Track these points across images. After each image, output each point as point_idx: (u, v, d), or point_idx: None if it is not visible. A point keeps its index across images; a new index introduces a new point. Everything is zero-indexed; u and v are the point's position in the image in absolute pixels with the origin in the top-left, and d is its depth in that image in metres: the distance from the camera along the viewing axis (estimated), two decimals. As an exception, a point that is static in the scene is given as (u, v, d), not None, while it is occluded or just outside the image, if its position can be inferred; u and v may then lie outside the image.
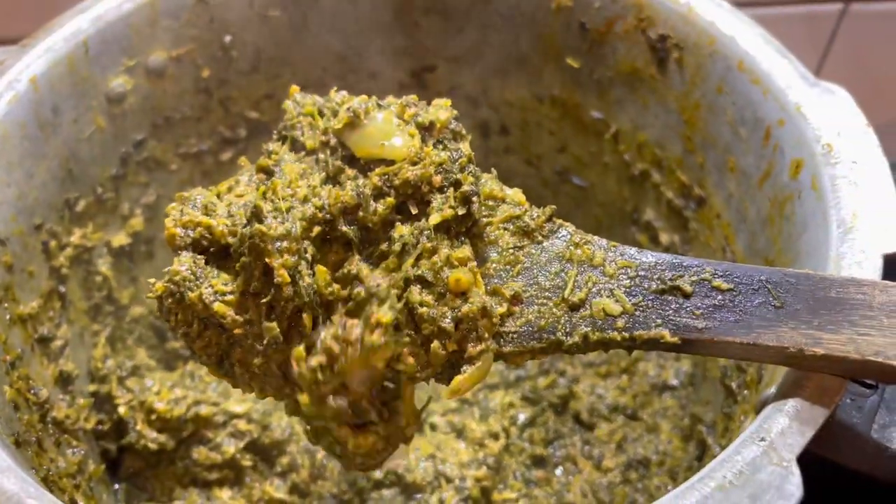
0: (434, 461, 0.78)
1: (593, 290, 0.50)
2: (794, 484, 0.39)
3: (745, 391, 0.68)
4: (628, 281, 0.50)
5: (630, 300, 0.49)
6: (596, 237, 0.52)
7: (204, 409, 0.79)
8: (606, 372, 0.89)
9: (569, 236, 0.52)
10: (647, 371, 0.89)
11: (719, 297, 0.48)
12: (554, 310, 0.50)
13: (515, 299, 0.50)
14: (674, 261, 0.50)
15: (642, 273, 0.50)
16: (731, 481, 0.40)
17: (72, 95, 0.75)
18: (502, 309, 0.49)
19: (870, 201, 0.55)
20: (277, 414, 0.80)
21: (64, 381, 0.74)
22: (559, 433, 0.84)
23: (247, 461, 0.78)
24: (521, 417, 0.84)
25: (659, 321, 0.49)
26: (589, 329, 0.49)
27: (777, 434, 0.42)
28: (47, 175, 0.73)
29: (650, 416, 0.86)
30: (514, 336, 0.50)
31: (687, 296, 0.49)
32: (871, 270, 0.51)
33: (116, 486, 0.80)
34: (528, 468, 0.81)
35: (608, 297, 0.50)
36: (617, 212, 0.97)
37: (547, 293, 0.50)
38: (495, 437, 0.81)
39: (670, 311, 0.49)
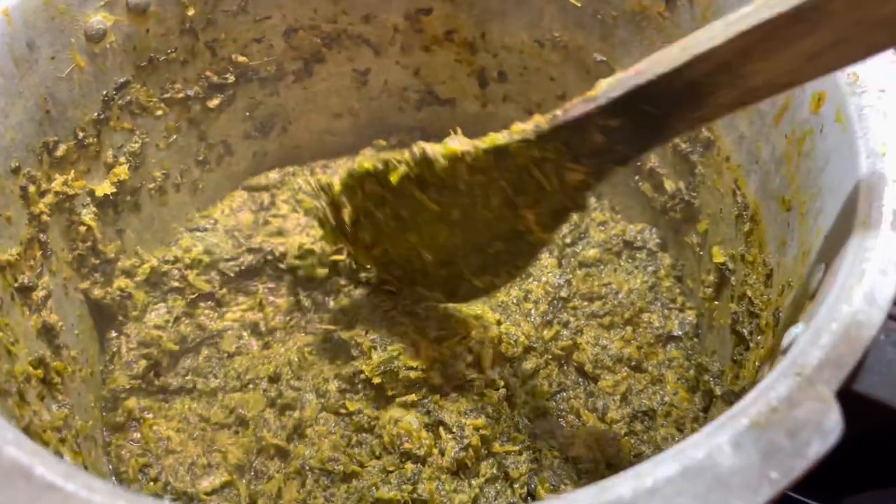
0: (431, 411, 0.76)
1: (557, 173, 0.63)
2: (834, 420, 0.37)
3: (759, 336, 0.66)
4: (569, 155, 0.61)
5: (582, 166, 0.62)
6: None
7: None
8: (610, 323, 0.86)
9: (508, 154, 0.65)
10: (652, 322, 0.86)
11: (621, 132, 0.58)
12: (555, 196, 0.65)
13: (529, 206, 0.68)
14: (574, 122, 0.59)
15: (571, 145, 0.61)
16: (767, 418, 0.38)
17: (48, 30, 0.70)
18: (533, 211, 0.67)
19: (901, 131, 0.52)
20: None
21: (48, 332, 0.70)
22: (562, 385, 0.82)
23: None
24: (523, 369, 0.81)
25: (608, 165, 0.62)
26: (580, 194, 0.64)
27: (814, 369, 0.39)
28: (24, 115, 0.68)
29: (655, 368, 0.83)
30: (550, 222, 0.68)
31: (605, 142, 0.59)
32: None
33: (109, 447, 0.77)
34: (531, 420, 0.79)
35: (570, 172, 0.62)
36: (619, 160, 0.94)
37: (543, 192, 0.66)
38: (494, 386, 0.79)
39: (608, 156, 0.60)
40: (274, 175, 0.98)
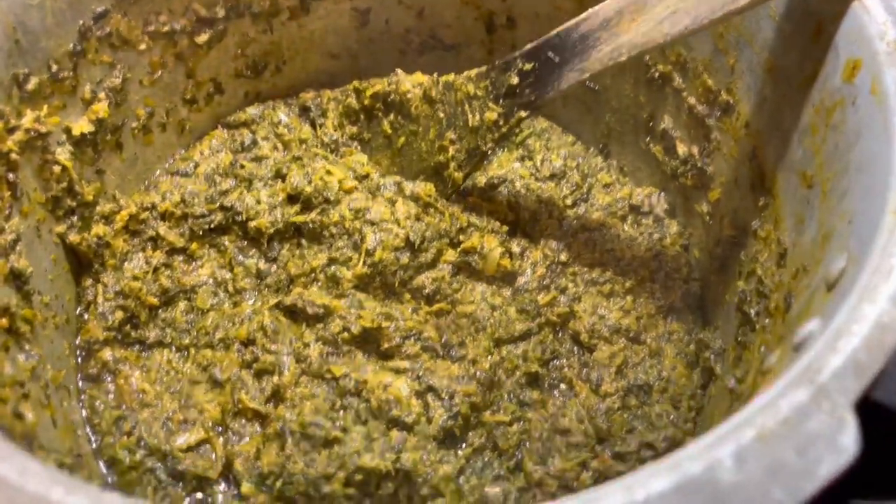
0: (421, 377, 0.73)
1: (480, 110, 0.82)
2: (850, 436, 0.33)
3: (767, 320, 0.62)
4: (492, 94, 0.81)
5: (498, 106, 0.80)
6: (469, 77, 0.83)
7: None
8: (610, 291, 0.82)
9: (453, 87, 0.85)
10: (654, 292, 0.82)
11: (531, 75, 0.77)
12: (472, 135, 0.83)
13: (452, 142, 0.85)
14: (503, 63, 0.79)
15: (496, 84, 0.80)
16: (774, 430, 0.34)
17: (17, -48, 0.65)
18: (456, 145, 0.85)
19: (944, 108, 0.47)
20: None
21: (16, 278, 0.67)
22: (556, 353, 0.78)
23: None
24: (517, 333, 0.78)
25: (516, 108, 0.79)
26: (490, 135, 0.82)
27: (830, 376, 0.35)
28: (-10, 45, 0.64)
29: (654, 340, 0.80)
30: (464, 160, 0.84)
31: (517, 84, 0.78)
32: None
33: (83, 395, 0.75)
34: (522, 388, 0.76)
35: (489, 111, 0.81)
36: (630, 119, 0.89)
37: (466, 129, 0.83)
38: (488, 352, 0.76)
39: (518, 99, 0.79)
40: (253, 110, 0.93)
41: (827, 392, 0.35)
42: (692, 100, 0.78)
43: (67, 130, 0.75)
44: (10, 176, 0.67)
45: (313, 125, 0.94)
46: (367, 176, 0.84)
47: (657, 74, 0.82)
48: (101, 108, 0.78)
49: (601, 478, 0.70)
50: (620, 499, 0.33)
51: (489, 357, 0.76)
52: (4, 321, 0.61)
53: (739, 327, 0.69)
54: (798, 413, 0.34)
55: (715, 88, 0.74)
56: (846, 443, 0.33)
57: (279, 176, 0.84)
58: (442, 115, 0.85)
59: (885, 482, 0.49)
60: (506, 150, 0.94)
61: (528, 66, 0.76)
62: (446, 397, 0.72)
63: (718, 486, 0.33)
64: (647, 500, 0.32)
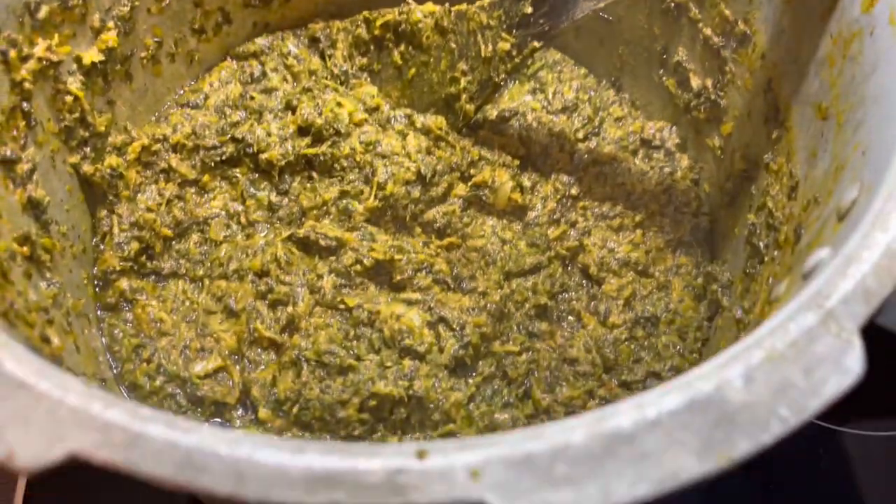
0: (433, 308, 0.74)
1: (493, 41, 0.82)
2: (855, 358, 0.34)
3: (776, 251, 0.63)
4: (505, 24, 0.81)
5: (511, 36, 0.81)
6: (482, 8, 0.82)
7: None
8: (620, 225, 0.83)
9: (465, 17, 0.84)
10: (663, 226, 0.83)
11: (545, 5, 0.77)
12: (484, 66, 0.83)
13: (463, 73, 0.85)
14: None
15: (509, 14, 0.80)
16: (782, 352, 0.35)
17: None
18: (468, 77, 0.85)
19: (964, 38, 0.46)
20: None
21: (34, 207, 0.67)
22: (565, 286, 0.80)
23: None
24: (527, 266, 0.79)
25: (530, 39, 0.80)
26: (503, 66, 0.82)
27: (839, 301, 0.36)
28: (0, -29, 0.63)
29: (662, 274, 0.81)
30: (476, 92, 0.85)
31: (531, 14, 0.78)
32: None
33: (102, 324, 0.76)
34: (531, 319, 0.77)
35: (502, 41, 0.81)
36: (644, 51, 0.88)
37: (478, 60, 0.83)
38: (498, 285, 0.77)
39: (531, 29, 0.79)
40: (262, 41, 0.92)
41: (835, 316, 0.36)
42: (708, 31, 0.77)
43: (78, 60, 0.74)
44: (25, 105, 0.67)
45: (322, 56, 0.93)
46: (377, 108, 0.84)
47: (673, 5, 0.81)
48: (110, 37, 0.77)
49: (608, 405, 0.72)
50: (632, 416, 0.34)
51: (499, 290, 0.77)
52: (26, 249, 0.63)
53: (748, 260, 0.70)
54: (806, 336, 0.35)
55: (732, 19, 0.73)
56: (852, 364, 0.34)
57: (289, 108, 0.84)
58: (454, 45, 0.84)
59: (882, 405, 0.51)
60: (517, 82, 0.93)
61: None
62: (457, 328, 0.73)
63: (727, 404, 0.34)
64: (658, 417, 0.34)
